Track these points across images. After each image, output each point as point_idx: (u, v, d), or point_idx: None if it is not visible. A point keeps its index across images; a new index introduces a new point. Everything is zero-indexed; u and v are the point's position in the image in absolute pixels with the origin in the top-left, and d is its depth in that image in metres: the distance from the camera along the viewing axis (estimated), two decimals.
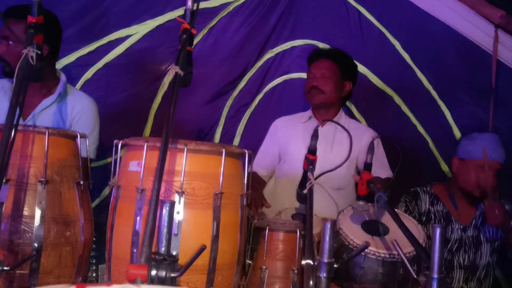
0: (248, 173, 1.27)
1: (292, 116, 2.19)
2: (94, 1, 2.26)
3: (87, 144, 1.43)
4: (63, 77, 1.78)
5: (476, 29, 2.56)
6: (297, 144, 2.06)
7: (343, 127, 1.74)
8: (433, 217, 2.10)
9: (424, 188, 2.14)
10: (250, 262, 1.40)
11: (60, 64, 2.14)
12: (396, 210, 1.71)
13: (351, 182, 2.09)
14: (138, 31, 2.31)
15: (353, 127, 2.08)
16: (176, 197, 1.14)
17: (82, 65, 2.26)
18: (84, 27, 2.22)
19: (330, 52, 2.15)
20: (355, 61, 2.19)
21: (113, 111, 2.21)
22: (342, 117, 2.14)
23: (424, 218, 2.08)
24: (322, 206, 1.90)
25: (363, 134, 2.07)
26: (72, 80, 2.08)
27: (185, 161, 1.14)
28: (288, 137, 2.11)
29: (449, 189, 2.15)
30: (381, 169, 1.95)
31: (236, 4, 2.44)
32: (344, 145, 2.02)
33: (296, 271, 1.35)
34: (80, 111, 1.77)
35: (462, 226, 2.11)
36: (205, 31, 2.42)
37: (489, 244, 2.14)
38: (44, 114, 1.76)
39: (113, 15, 2.28)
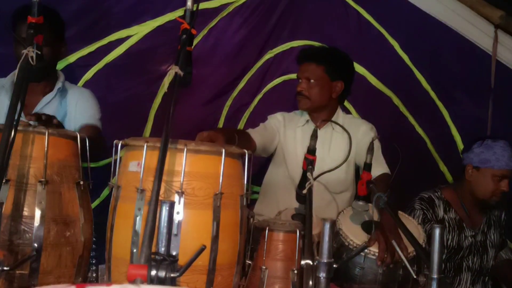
0: (248, 173, 1.27)
1: (291, 116, 2.13)
2: (95, 1, 2.26)
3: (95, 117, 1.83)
4: (61, 75, 1.89)
5: (476, 30, 2.57)
6: (295, 146, 2.04)
7: (343, 128, 1.74)
8: (447, 225, 2.07)
9: (436, 194, 2.11)
10: (250, 262, 1.40)
11: (61, 64, 2.14)
12: (401, 212, 1.71)
13: (352, 183, 2.07)
14: (138, 31, 2.31)
15: (348, 123, 2.03)
16: (176, 197, 1.14)
17: (83, 66, 2.26)
18: (85, 27, 2.22)
19: (315, 53, 2.05)
20: (350, 58, 2.09)
21: (113, 112, 2.21)
22: (339, 116, 2.07)
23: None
24: (326, 212, 1.88)
25: (358, 128, 2.01)
26: (73, 81, 2.09)
27: (185, 161, 1.15)
28: (287, 138, 2.07)
29: (458, 195, 2.12)
30: (378, 165, 1.90)
31: (236, 4, 2.44)
32: (341, 146, 2.00)
33: (296, 271, 1.35)
34: (79, 99, 1.87)
35: (473, 233, 2.11)
36: (205, 31, 2.42)
37: (493, 249, 2.15)
38: (45, 110, 1.80)
39: (113, 15, 2.28)
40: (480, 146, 2.08)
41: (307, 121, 2.07)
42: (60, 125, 1.41)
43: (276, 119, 2.11)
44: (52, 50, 1.77)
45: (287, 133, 2.08)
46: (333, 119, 2.04)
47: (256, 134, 1.96)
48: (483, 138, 2.11)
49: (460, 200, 2.12)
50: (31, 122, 1.27)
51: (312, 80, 1.98)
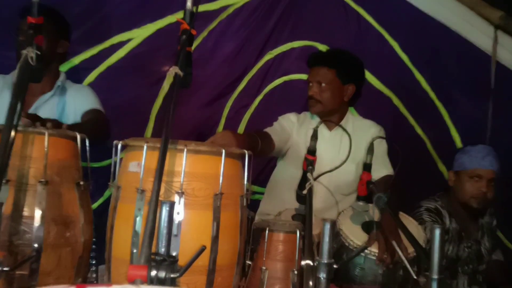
0: (248, 174, 1.27)
1: (302, 118, 2.11)
2: (96, 5, 2.27)
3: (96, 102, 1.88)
4: (62, 75, 1.93)
5: (476, 30, 2.57)
6: (305, 148, 2.02)
7: (345, 130, 1.74)
8: (450, 236, 2.06)
9: (439, 203, 2.10)
10: (250, 263, 1.40)
11: (65, 66, 2.16)
12: (401, 212, 1.71)
13: None
14: (139, 34, 2.32)
15: (358, 125, 2.05)
16: (176, 198, 1.14)
17: (85, 68, 2.27)
18: (87, 31, 2.24)
19: (326, 56, 2.06)
20: (361, 61, 2.08)
21: (115, 113, 2.21)
22: (349, 119, 2.07)
23: (446, 237, 2.03)
24: (332, 215, 1.88)
25: (368, 130, 2.02)
26: (76, 83, 2.10)
27: (185, 162, 1.15)
28: (300, 139, 2.05)
29: (452, 205, 2.12)
30: (382, 167, 1.91)
31: (236, 6, 2.44)
32: (352, 149, 1.98)
33: (296, 272, 1.35)
34: (77, 92, 1.92)
35: (469, 244, 2.10)
36: (205, 33, 2.42)
37: (488, 256, 2.15)
38: (44, 107, 1.82)
39: (114, 19, 2.29)
40: (459, 152, 2.12)
41: (320, 123, 2.05)
42: (57, 123, 1.40)
43: (290, 120, 2.08)
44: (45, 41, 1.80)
45: (299, 134, 2.06)
46: (342, 122, 2.03)
47: (275, 135, 1.95)
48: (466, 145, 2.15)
49: (454, 209, 2.12)
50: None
51: (323, 84, 1.97)
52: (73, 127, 1.38)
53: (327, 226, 1.06)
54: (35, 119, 1.34)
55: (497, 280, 2.18)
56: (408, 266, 1.38)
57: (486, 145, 2.16)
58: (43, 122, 1.34)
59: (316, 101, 1.98)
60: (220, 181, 1.18)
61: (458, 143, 2.62)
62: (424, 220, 2.03)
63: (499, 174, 2.06)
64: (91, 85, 2.23)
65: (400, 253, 1.42)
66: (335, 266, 1.07)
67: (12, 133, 1.01)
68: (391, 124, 2.53)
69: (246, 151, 1.27)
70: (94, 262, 1.38)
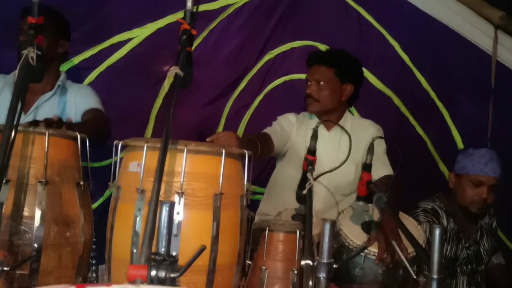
0: (248, 174, 1.27)
1: (301, 118, 2.11)
2: (96, 5, 2.27)
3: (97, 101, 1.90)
4: (63, 75, 1.94)
5: (476, 30, 2.57)
6: (304, 148, 2.02)
7: (345, 130, 1.74)
8: (448, 236, 2.05)
9: (437, 203, 2.09)
10: (250, 262, 1.40)
11: (65, 66, 2.16)
12: (401, 213, 1.71)
13: None
14: (139, 34, 2.32)
15: (357, 125, 2.04)
16: (176, 198, 1.14)
17: (86, 68, 2.27)
18: (87, 31, 2.24)
19: (326, 55, 2.05)
20: (360, 61, 2.07)
21: (116, 113, 2.22)
22: (348, 118, 2.07)
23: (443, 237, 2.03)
24: (332, 215, 1.87)
25: (367, 130, 2.02)
26: (76, 83, 2.10)
27: (185, 162, 1.15)
28: (299, 139, 2.05)
29: (451, 205, 2.11)
30: (382, 166, 1.90)
31: (236, 6, 2.44)
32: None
33: (296, 272, 1.35)
34: (78, 92, 1.93)
35: (467, 244, 2.10)
36: (205, 33, 2.42)
37: (488, 256, 2.14)
38: (45, 107, 1.82)
39: (115, 19, 2.29)
40: (461, 154, 2.10)
41: (319, 123, 2.05)
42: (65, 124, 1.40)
43: (289, 121, 2.08)
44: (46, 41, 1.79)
45: (299, 135, 2.06)
46: (341, 121, 2.03)
47: (274, 136, 1.95)
48: (469, 147, 2.13)
49: (453, 210, 2.11)
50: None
51: (322, 83, 1.97)
52: (74, 126, 1.38)
53: (327, 226, 1.06)
54: (50, 123, 1.34)
55: (499, 283, 2.17)
56: (408, 266, 1.38)
57: (488, 147, 2.14)
58: (49, 122, 1.34)
59: (314, 100, 1.98)
60: (220, 181, 1.18)
61: (459, 142, 2.62)
62: (420, 222, 2.02)
63: (501, 178, 2.05)
64: (91, 84, 2.23)
65: (400, 253, 1.42)
66: (335, 266, 1.07)
67: (12, 133, 1.01)
68: (392, 124, 2.52)
69: (246, 151, 1.27)
70: (94, 262, 1.39)
